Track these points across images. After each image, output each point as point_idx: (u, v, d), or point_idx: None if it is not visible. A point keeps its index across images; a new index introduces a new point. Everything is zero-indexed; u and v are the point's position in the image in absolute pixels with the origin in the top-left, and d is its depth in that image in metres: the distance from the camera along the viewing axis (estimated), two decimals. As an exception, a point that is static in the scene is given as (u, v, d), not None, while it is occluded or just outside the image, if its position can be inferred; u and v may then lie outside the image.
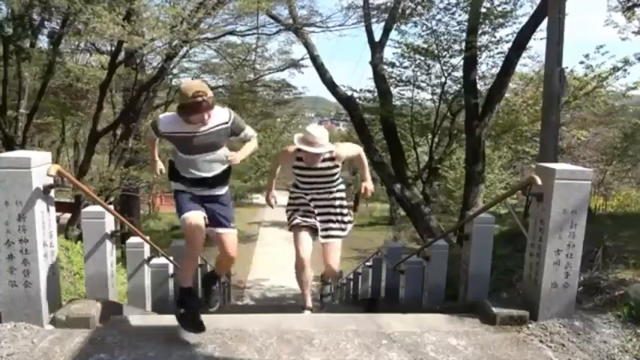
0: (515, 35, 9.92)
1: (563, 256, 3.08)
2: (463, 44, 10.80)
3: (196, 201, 2.98)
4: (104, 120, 12.27)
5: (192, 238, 2.87)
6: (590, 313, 3.32)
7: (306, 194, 3.65)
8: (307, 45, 11.49)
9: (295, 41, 12.82)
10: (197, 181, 2.97)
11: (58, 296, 3.20)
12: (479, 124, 9.87)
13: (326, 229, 3.62)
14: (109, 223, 3.67)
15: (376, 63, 11.09)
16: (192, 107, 2.69)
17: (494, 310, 3.21)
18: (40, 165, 2.89)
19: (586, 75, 11.58)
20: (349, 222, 3.71)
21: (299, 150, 3.45)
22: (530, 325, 3.12)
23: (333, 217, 3.63)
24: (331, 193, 3.62)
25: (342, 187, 3.70)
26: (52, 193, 3.03)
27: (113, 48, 10.49)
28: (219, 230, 3.03)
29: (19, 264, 2.86)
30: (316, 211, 3.64)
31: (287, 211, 3.78)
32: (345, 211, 3.67)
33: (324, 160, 3.49)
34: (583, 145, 15.88)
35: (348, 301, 9.37)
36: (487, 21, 10.87)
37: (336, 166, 3.55)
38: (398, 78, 13.56)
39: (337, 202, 3.65)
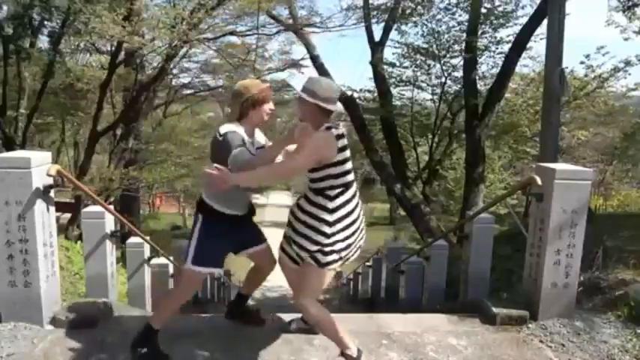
0: (515, 35, 9.92)
1: (563, 256, 3.08)
2: (463, 44, 10.81)
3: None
4: (104, 120, 12.27)
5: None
6: (590, 313, 3.32)
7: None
8: (307, 45, 11.50)
9: (295, 41, 12.82)
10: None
11: (58, 296, 3.20)
12: (479, 125, 9.87)
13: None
14: (109, 223, 3.67)
15: (376, 63, 11.09)
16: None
17: (494, 310, 3.21)
18: (40, 165, 2.89)
19: (586, 75, 11.59)
20: (315, 252, 2.47)
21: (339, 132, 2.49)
22: (530, 325, 3.12)
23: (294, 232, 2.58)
24: (307, 198, 2.54)
25: (327, 202, 2.46)
26: (52, 193, 3.03)
27: (113, 48, 10.49)
28: None
29: (19, 264, 2.86)
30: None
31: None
32: (312, 234, 2.47)
33: None
34: (583, 145, 15.89)
35: (348, 300, 9.37)
36: (487, 21, 10.87)
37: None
38: (398, 78, 13.56)
39: (304, 217, 2.52)
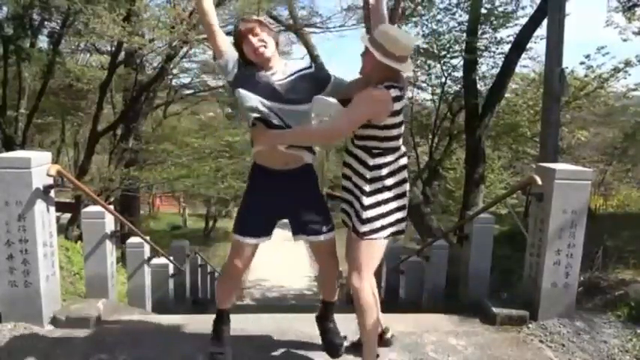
0: (515, 36, 9.92)
1: (563, 256, 3.08)
2: (463, 44, 10.80)
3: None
4: (104, 120, 12.28)
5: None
6: (590, 313, 3.32)
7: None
8: (307, 45, 11.50)
9: (295, 41, 12.86)
10: None
11: (58, 296, 3.20)
12: (479, 125, 9.86)
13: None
14: (109, 223, 3.67)
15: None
16: None
17: (494, 310, 3.22)
18: (40, 165, 2.89)
19: (586, 76, 11.58)
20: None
21: (397, 87, 2.21)
22: (530, 325, 3.12)
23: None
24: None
25: None
26: (52, 193, 3.03)
27: (113, 48, 10.51)
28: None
29: (19, 264, 2.86)
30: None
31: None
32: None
33: None
34: (583, 145, 15.87)
35: (348, 300, 9.34)
36: (487, 22, 10.87)
37: None
38: (398, 78, 13.53)
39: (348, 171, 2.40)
